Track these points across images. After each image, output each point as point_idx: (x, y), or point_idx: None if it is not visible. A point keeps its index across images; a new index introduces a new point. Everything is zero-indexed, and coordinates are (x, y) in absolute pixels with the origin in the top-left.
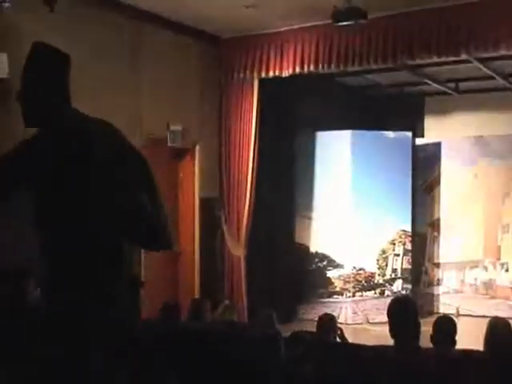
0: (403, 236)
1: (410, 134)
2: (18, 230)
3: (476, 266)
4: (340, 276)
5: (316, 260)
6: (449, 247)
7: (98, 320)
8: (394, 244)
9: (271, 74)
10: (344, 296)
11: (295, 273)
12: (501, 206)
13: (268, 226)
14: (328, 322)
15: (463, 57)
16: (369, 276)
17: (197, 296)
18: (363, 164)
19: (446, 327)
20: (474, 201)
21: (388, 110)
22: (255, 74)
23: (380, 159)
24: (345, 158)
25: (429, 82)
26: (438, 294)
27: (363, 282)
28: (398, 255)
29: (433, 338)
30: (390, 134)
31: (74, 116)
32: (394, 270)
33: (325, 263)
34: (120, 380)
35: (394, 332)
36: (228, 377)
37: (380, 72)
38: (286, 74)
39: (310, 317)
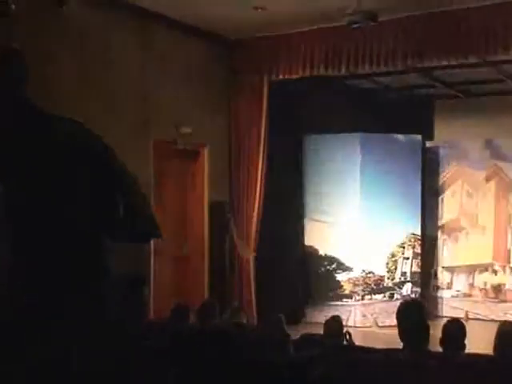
0: (413, 239)
1: (419, 137)
2: None
3: (485, 270)
4: (349, 279)
5: (325, 263)
6: (458, 251)
7: (82, 320)
8: (404, 247)
9: (281, 76)
10: (353, 299)
11: (304, 275)
12: (511, 209)
13: (277, 228)
14: (336, 325)
15: (473, 60)
16: (378, 279)
17: (206, 298)
18: (372, 167)
19: (456, 331)
20: (483, 204)
21: (397, 112)
22: (265, 77)
23: (389, 162)
24: (354, 160)
25: (438, 85)
26: (448, 298)
27: (372, 285)
28: (408, 258)
29: (442, 342)
30: (400, 136)
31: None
32: (404, 274)
33: (334, 266)
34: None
35: (403, 335)
36: (236, 379)
37: (390, 75)
38: (295, 76)
39: (318, 320)
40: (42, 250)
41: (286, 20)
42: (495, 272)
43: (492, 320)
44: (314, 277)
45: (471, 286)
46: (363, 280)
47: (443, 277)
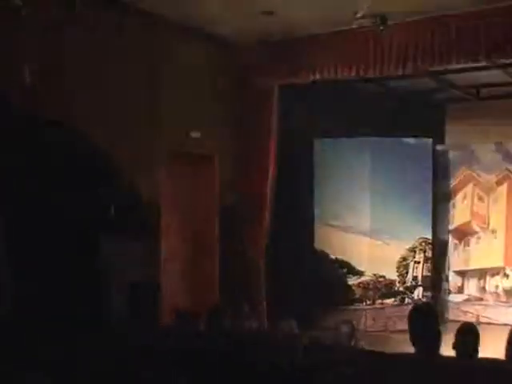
0: (424, 243)
1: (430, 140)
2: None
3: (497, 274)
4: (360, 283)
5: (336, 267)
6: (469, 255)
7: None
8: (415, 251)
9: (290, 81)
10: (364, 303)
11: (315, 279)
12: None
13: (288, 232)
14: (346, 329)
15: (484, 63)
16: (389, 283)
17: (216, 302)
18: (383, 171)
19: (468, 335)
20: (495, 208)
21: (408, 116)
22: (274, 81)
23: (400, 166)
24: (365, 165)
25: (449, 88)
26: (459, 302)
27: (383, 289)
28: (419, 262)
29: (454, 346)
30: (411, 140)
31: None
32: (415, 278)
33: (345, 270)
34: None
35: (414, 340)
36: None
37: (400, 79)
38: (305, 80)
39: (329, 324)
40: (40, 252)
41: (294, 25)
42: (507, 276)
43: (504, 324)
44: (325, 281)
45: (483, 289)
46: (374, 284)
47: (454, 281)
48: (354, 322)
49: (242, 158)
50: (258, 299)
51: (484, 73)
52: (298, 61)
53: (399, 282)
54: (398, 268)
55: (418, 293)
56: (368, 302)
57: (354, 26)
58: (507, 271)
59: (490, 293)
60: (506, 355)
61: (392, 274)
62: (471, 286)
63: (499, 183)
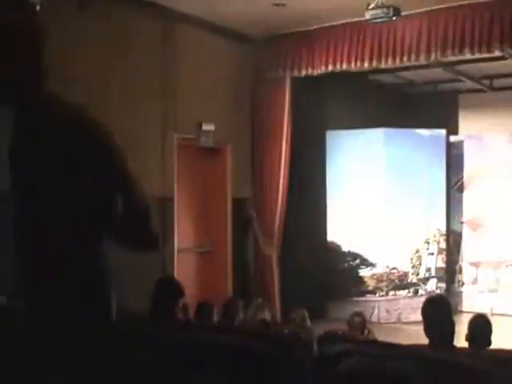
0: (437, 235)
1: (443, 131)
2: None
3: (511, 265)
4: (373, 275)
5: (348, 259)
6: (484, 246)
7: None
8: (428, 243)
9: (303, 72)
10: (377, 295)
11: (327, 271)
12: None
13: (300, 225)
14: (358, 320)
15: (497, 53)
16: (402, 275)
17: (229, 295)
18: (396, 162)
19: (482, 327)
20: (509, 198)
21: (421, 107)
22: (287, 73)
23: (413, 157)
24: (378, 156)
25: (463, 78)
26: (473, 293)
27: (396, 280)
28: (432, 254)
29: (468, 338)
30: (424, 131)
31: None
32: (428, 269)
33: (357, 262)
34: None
35: (428, 331)
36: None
37: (413, 69)
38: (317, 72)
39: (342, 315)
40: (42, 251)
41: (307, 16)
42: None
43: None
44: (338, 273)
45: (497, 281)
46: (387, 276)
47: (468, 272)
48: (367, 314)
49: (254, 150)
50: (270, 291)
51: (498, 63)
52: (311, 52)
53: (413, 274)
54: (412, 259)
55: (432, 284)
56: (381, 294)
57: (367, 17)
58: None
59: (505, 284)
60: None
61: (405, 266)
62: (485, 278)
63: None
